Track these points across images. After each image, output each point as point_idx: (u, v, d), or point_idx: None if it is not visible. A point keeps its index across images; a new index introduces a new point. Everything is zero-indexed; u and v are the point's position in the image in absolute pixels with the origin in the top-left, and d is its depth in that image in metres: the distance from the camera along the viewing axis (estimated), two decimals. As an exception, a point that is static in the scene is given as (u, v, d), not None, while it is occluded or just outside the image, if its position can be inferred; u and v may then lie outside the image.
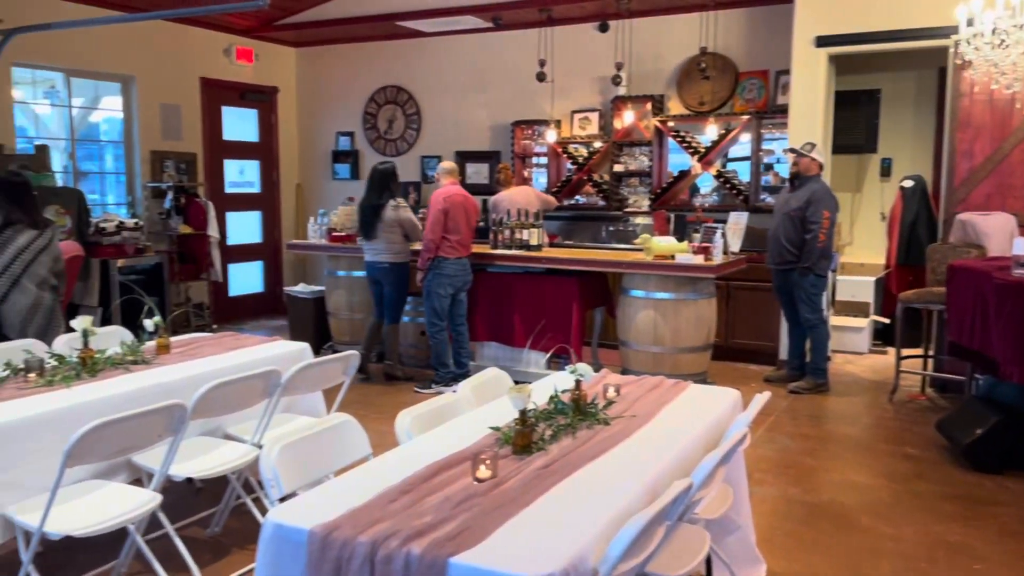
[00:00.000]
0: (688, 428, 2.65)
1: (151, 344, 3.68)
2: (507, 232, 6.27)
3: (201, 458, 3.18)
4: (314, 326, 7.18)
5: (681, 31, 7.44)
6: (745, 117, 7.17)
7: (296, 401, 3.85)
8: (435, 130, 8.79)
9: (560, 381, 2.96)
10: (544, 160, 8.14)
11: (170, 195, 7.75)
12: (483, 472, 2.14)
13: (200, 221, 7.91)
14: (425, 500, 2.01)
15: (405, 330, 6.70)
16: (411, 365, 6.67)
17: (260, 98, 9.06)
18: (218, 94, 8.59)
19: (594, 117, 7.84)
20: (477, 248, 6.22)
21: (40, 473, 2.73)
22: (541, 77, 7.32)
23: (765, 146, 7.19)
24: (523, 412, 2.38)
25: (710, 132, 7.28)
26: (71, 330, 3.52)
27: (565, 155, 7.93)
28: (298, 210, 9.53)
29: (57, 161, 7.36)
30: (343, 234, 6.88)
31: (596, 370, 6.20)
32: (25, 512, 2.60)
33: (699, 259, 5.44)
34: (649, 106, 7.53)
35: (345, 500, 1.98)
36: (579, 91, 7.90)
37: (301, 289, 7.35)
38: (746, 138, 7.29)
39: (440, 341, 5.91)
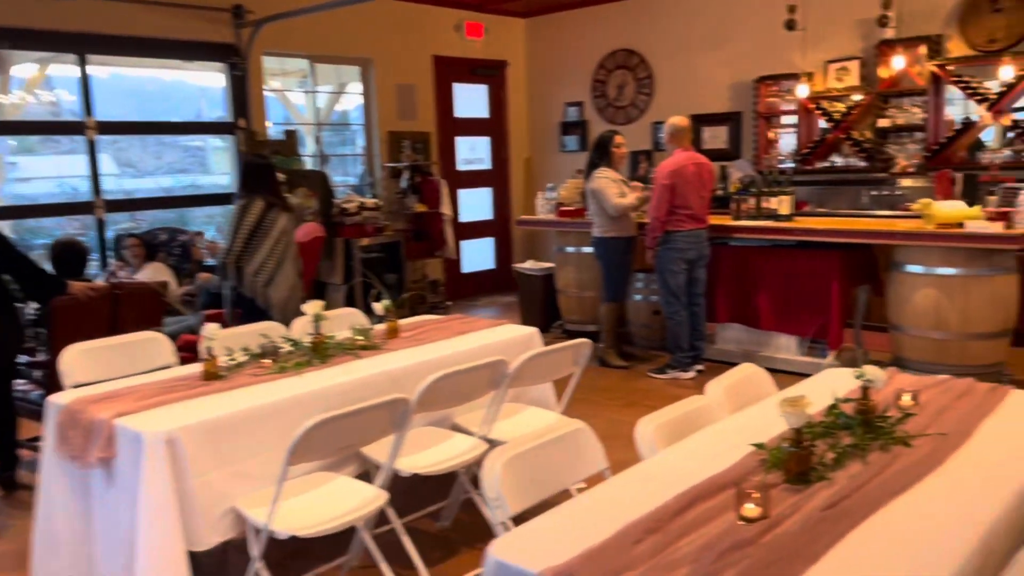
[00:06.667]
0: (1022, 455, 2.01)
1: (381, 327, 3.57)
2: (751, 200, 5.63)
3: (428, 451, 3.00)
4: (543, 304, 6.98)
5: (965, -45, 6.28)
6: (1051, 53, 5.90)
7: (526, 389, 3.59)
8: (668, 94, 8.21)
9: (838, 383, 2.41)
10: (792, 119, 7.29)
11: (406, 175, 7.89)
12: (750, 510, 1.69)
13: (434, 199, 7.98)
14: (678, 544, 1.60)
15: (636, 309, 6.29)
16: (642, 347, 6.26)
17: (490, 72, 8.98)
18: (449, 71, 8.61)
19: (854, 66, 6.86)
20: (717, 219, 5.64)
21: (269, 464, 2.67)
22: (790, 25, 6.50)
23: (1080, 86, 5.88)
24: (799, 431, 1.88)
25: (1004, 75, 6.07)
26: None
27: (818, 112, 7.04)
28: (527, 185, 9.40)
29: (310, 146, 7.75)
30: (572, 208, 6.58)
31: (862, 358, 5.45)
32: (254, 506, 2.53)
33: (997, 227, 4.49)
34: (923, 49, 6.44)
35: (579, 536, 1.62)
36: (836, 38, 6.96)
37: (530, 266, 7.17)
38: (1051, 79, 6.01)
39: (677, 322, 5.43)
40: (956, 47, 6.45)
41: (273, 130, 7.29)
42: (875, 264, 5.53)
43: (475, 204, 9.14)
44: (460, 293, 8.80)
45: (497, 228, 9.34)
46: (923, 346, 4.76)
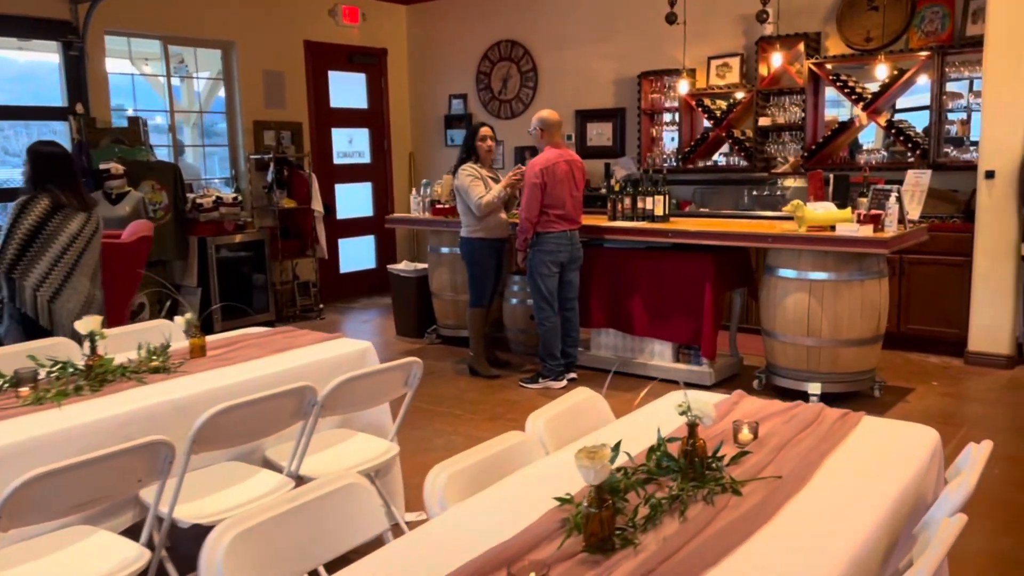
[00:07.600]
0: (867, 501, 1.73)
1: (184, 346, 3.09)
2: (627, 200, 5.37)
3: (219, 495, 2.55)
4: (417, 308, 6.57)
5: (842, -47, 6.19)
6: (924, 54, 5.85)
7: (357, 413, 3.18)
8: (553, 88, 7.92)
9: (665, 416, 2.10)
10: (675, 116, 7.10)
11: (272, 167, 7.33)
12: (525, 600, 1.33)
13: (304, 194, 7.46)
14: (421, 655, 1.23)
15: (513, 314, 5.96)
16: (520, 353, 5.93)
17: (368, 61, 8.49)
18: (324, 58, 8.08)
19: (735, 63, 6.71)
20: (592, 220, 5.36)
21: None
22: (671, 19, 6.29)
23: (951, 88, 5.85)
24: (600, 488, 1.54)
25: (879, 74, 6.00)
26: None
27: (700, 109, 6.86)
28: (411, 181, 8.96)
29: (165, 137, 7.09)
30: (447, 206, 6.19)
31: (736, 364, 5.25)
32: (-28, 577, 2.04)
33: (867, 230, 4.34)
34: (802, 46, 6.33)
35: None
36: (717, 33, 6.79)
37: (404, 267, 6.74)
38: (924, 80, 5.98)
39: (549, 329, 5.11)
40: (834, 45, 6.36)
41: (123, 117, 6.62)
42: (751, 267, 5.36)
43: (354, 200, 8.63)
44: (337, 295, 8.30)
45: (378, 226, 8.85)
46: (795, 353, 4.58)
